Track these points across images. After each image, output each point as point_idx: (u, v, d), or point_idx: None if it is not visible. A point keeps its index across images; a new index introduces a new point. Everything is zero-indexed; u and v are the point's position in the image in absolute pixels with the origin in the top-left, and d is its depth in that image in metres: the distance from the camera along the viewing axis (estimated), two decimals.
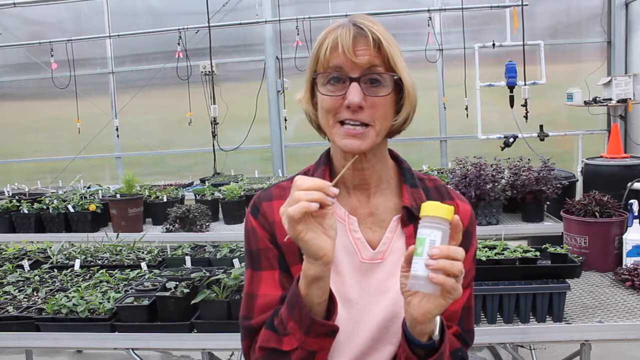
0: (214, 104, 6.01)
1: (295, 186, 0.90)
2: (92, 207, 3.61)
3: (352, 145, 1.03)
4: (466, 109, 5.95)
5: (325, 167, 1.15)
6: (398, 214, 1.12)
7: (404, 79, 1.04)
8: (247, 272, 1.15)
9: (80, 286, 2.36)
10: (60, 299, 2.21)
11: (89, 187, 4.55)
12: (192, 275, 2.28)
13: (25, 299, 2.34)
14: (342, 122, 1.03)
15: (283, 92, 6.34)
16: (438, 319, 0.99)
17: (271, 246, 1.10)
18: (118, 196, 3.69)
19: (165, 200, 3.81)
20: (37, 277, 2.58)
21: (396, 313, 1.08)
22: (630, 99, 5.32)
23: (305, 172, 1.18)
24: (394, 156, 1.19)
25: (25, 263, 2.76)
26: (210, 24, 5.71)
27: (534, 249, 2.17)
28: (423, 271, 0.90)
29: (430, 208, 0.91)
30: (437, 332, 0.98)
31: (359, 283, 1.09)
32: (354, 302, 1.09)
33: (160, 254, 2.85)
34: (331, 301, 1.00)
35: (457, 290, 0.90)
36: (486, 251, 2.16)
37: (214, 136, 5.96)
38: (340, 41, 1.01)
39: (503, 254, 2.14)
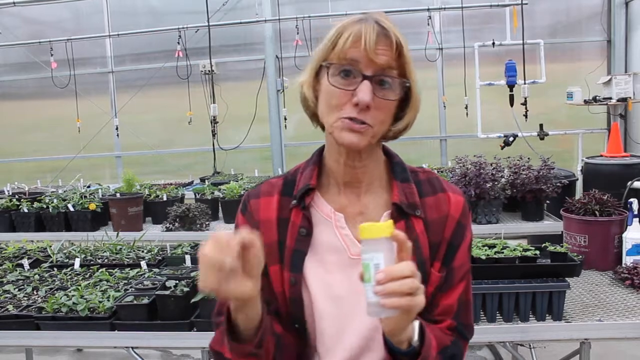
0: (214, 103, 6.01)
1: (200, 260, 0.88)
2: (92, 206, 3.61)
3: (350, 140, 1.02)
4: (466, 108, 5.94)
5: (315, 166, 1.14)
6: (388, 210, 1.11)
7: (413, 88, 1.04)
8: None
9: (80, 285, 2.36)
10: (60, 298, 2.21)
11: (88, 186, 4.55)
12: (192, 274, 2.28)
13: (25, 298, 2.34)
14: (347, 119, 1.02)
15: (283, 91, 6.34)
16: (416, 323, 0.98)
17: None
18: (118, 195, 3.69)
19: (165, 199, 3.81)
20: (37, 276, 2.58)
21: None
22: (630, 97, 5.32)
23: (296, 169, 1.18)
24: (385, 151, 1.18)
25: (25, 262, 2.76)
26: (210, 23, 5.70)
27: (533, 248, 2.17)
28: (373, 298, 0.87)
29: (365, 231, 0.88)
30: (416, 338, 0.97)
31: (348, 279, 1.08)
32: (344, 298, 1.08)
33: (160, 252, 2.85)
34: (261, 324, 0.99)
35: (417, 304, 0.88)
36: (486, 250, 2.16)
37: (213, 135, 5.96)
38: (364, 35, 0.99)
39: (503, 252, 2.14)
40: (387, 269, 0.86)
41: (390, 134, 1.09)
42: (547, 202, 3.29)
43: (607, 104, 5.52)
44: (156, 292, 2.13)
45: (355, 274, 1.08)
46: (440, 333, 1.07)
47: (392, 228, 0.88)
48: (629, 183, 2.96)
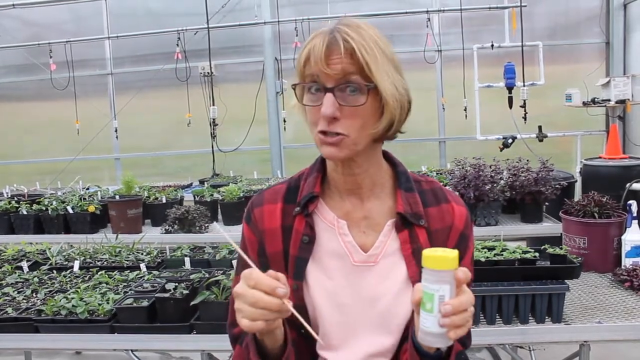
0: (213, 105, 6.01)
1: (246, 298, 0.90)
2: (91, 209, 3.61)
3: (330, 154, 1.03)
4: (465, 109, 5.95)
5: (318, 174, 1.15)
6: (392, 218, 1.12)
7: (382, 88, 1.00)
8: (235, 278, 1.18)
9: (79, 287, 2.35)
10: (60, 300, 2.21)
11: (87, 189, 4.54)
12: (192, 277, 2.28)
13: (25, 300, 2.34)
14: (321, 133, 1.03)
15: (282, 93, 6.34)
16: None
17: (258, 255, 1.12)
18: (117, 197, 3.69)
19: (164, 201, 3.81)
20: (36, 279, 2.57)
21: (390, 319, 1.08)
22: (628, 99, 5.32)
23: (300, 175, 1.18)
24: (389, 158, 1.18)
25: (24, 264, 2.75)
26: (209, 25, 5.71)
27: (533, 250, 2.17)
28: (436, 329, 0.87)
29: (435, 261, 0.87)
30: None
31: (352, 286, 1.09)
32: (349, 305, 1.09)
33: (160, 255, 2.85)
34: (286, 342, 1.02)
35: (468, 328, 0.90)
36: (485, 252, 2.16)
37: (213, 137, 5.96)
38: (312, 52, 1.00)
39: (502, 254, 2.14)
40: (455, 302, 0.87)
41: (376, 136, 1.07)
42: (546, 204, 3.29)
43: (605, 106, 5.52)
44: (156, 295, 2.12)
45: (359, 281, 1.10)
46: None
47: (457, 259, 0.88)
48: (628, 185, 2.96)
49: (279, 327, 0.98)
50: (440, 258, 0.87)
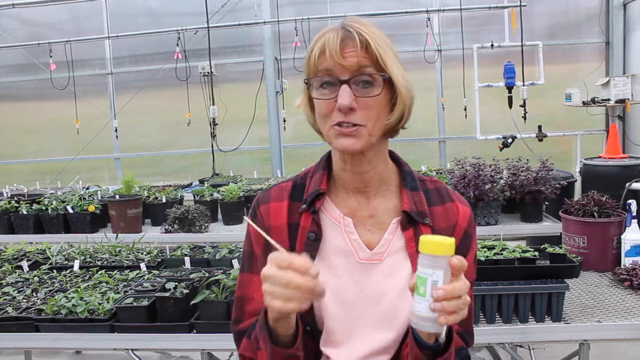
0: (213, 104, 6.01)
1: (277, 280, 0.90)
2: (91, 208, 3.61)
3: (346, 145, 1.04)
4: (465, 109, 5.95)
5: (324, 171, 1.16)
6: (398, 216, 1.13)
7: (395, 79, 1.03)
8: (240, 275, 1.18)
9: (79, 287, 2.36)
10: (60, 300, 2.21)
11: (87, 188, 4.54)
12: (192, 276, 2.28)
13: (25, 300, 2.34)
14: (337, 125, 1.04)
15: (282, 92, 6.34)
16: None
17: (264, 251, 1.12)
18: (117, 197, 3.69)
19: (164, 201, 3.80)
20: (36, 278, 2.58)
21: (394, 316, 1.09)
22: (628, 99, 5.33)
23: (306, 173, 1.19)
24: (395, 158, 1.19)
25: (25, 264, 2.76)
26: (209, 25, 5.71)
27: (532, 249, 2.17)
28: (427, 313, 0.88)
29: (431, 246, 0.88)
30: (443, 335, 0.99)
31: (357, 284, 1.10)
32: (353, 302, 1.10)
33: (160, 254, 2.85)
34: (297, 328, 1.02)
35: (461, 317, 0.91)
36: (485, 251, 2.16)
37: (213, 137, 5.96)
38: (327, 46, 1.02)
39: (502, 254, 2.14)
40: (448, 287, 0.88)
41: (387, 128, 1.09)
42: (546, 203, 3.29)
43: (605, 106, 5.53)
44: (156, 294, 2.13)
45: (364, 278, 1.10)
46: (455, 335, 1.09)
47: (453, 246, 0.89)
48: (628, 184, 2.96)
49: (293, 314, 0.99)
50: (436, 243, 0.88)
